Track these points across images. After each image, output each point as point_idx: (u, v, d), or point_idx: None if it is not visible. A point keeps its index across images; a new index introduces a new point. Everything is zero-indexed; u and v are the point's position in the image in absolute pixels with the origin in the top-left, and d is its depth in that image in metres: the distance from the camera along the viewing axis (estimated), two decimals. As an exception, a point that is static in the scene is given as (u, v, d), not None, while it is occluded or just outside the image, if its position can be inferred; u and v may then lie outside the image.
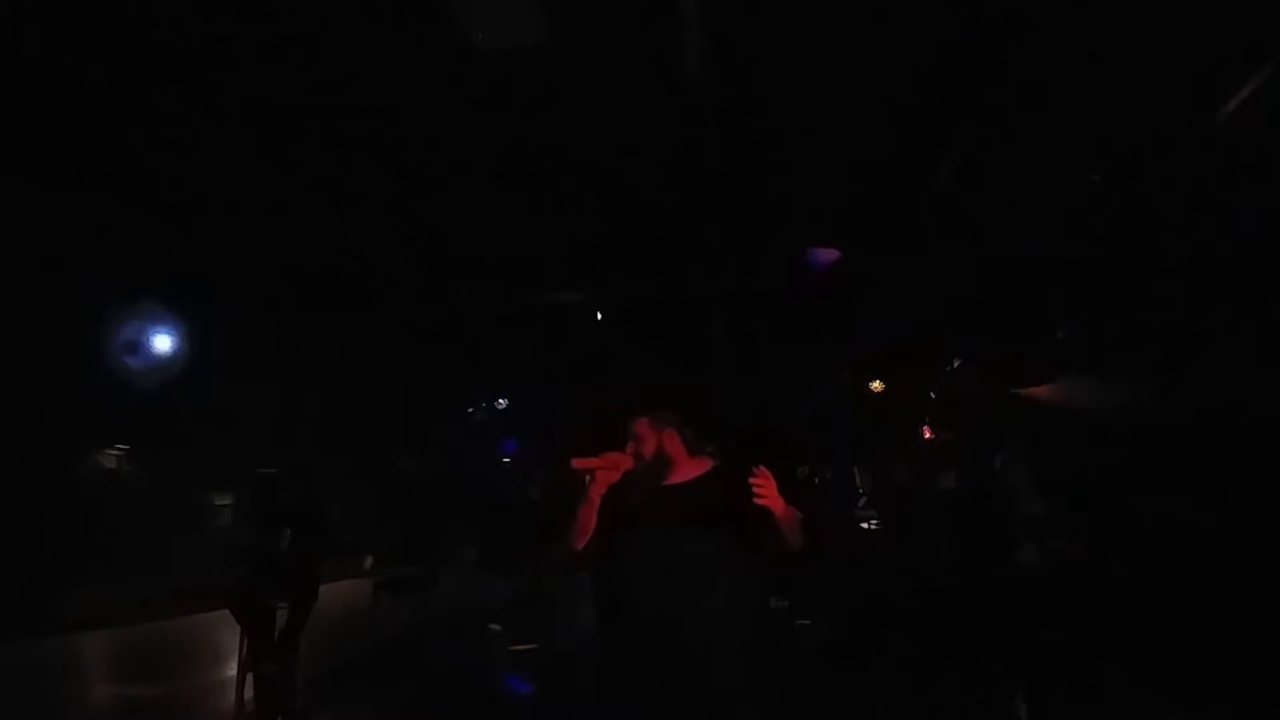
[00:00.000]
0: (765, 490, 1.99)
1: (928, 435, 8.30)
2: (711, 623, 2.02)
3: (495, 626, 6.10)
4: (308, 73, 3.44)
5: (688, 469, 2.30)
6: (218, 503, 10.03)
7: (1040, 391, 6.26)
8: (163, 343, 5.15)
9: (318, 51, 3.31)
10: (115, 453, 8.77)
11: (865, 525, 6.36)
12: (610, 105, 3.79)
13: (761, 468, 2.03)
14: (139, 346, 5.17)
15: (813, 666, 4.85)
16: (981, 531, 3.60)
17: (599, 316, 6.97)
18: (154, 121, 3.65)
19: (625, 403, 2.38)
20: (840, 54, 3.40)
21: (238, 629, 4.72)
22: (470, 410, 10.19)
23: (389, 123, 3.89)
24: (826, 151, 4.33)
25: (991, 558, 3.53)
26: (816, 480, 8.69)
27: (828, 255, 5.33)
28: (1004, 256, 5.50)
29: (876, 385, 8.77)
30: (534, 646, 5.68)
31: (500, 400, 10.05)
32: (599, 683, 2.14)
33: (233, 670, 4.84)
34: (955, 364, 7.44)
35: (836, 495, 9.16)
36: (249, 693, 4.67)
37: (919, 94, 3.72)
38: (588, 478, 2.21)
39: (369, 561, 8.03)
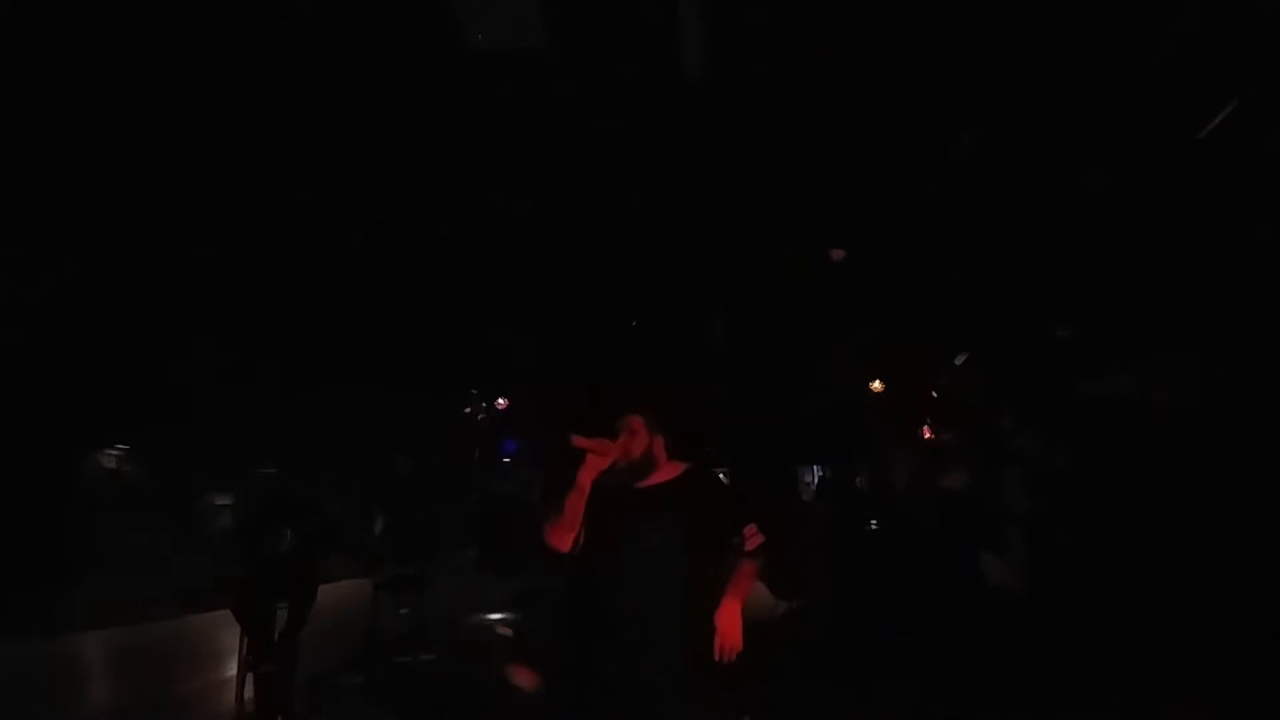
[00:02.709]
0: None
1: (928, 435, 8.31)
2: (670, 626, 2.04)
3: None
4: (309, 71, 3.45)
5: (665, 472, 2.31)
6: (218, 503, 10.03)
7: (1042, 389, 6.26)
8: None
9: (319, 50, 3.31)
10: (115, 453, 8.76)
11: (863, 525, 6.37)
12: (609, 103, 3.79)
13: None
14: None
15: (807, 666, 4.86)
16: (974, 531, 3.60)
17: (599, 316, 6.98)
18: (153, 120, 3.65)
19: (618, 398, 2.39)
20: (840, 52, 3.40)
21: (238, 629, 4.72)
22: (470, 410, 10.19)
23: (387, 120, 3.89)
24: (827, 148, 4.34)
25: (981, 556, 3.54)
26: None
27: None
28: (1006, 256, 5.50)
29: (876, 385, 8.78)
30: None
31: (500, 400, 10.05)
32: (567, 673, 2.17)
33: (233, 670, 4.85)
34: (958, 361, 7.44)
35: (836, 496, 9.16)
36: (249, 693, 4.67)
37: (918, 92, 3.73)
38: (579, 463, 2.19)
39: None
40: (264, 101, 3.60)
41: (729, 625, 2.04)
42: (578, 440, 2.17)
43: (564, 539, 2.19)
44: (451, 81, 3.50)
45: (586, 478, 2.17)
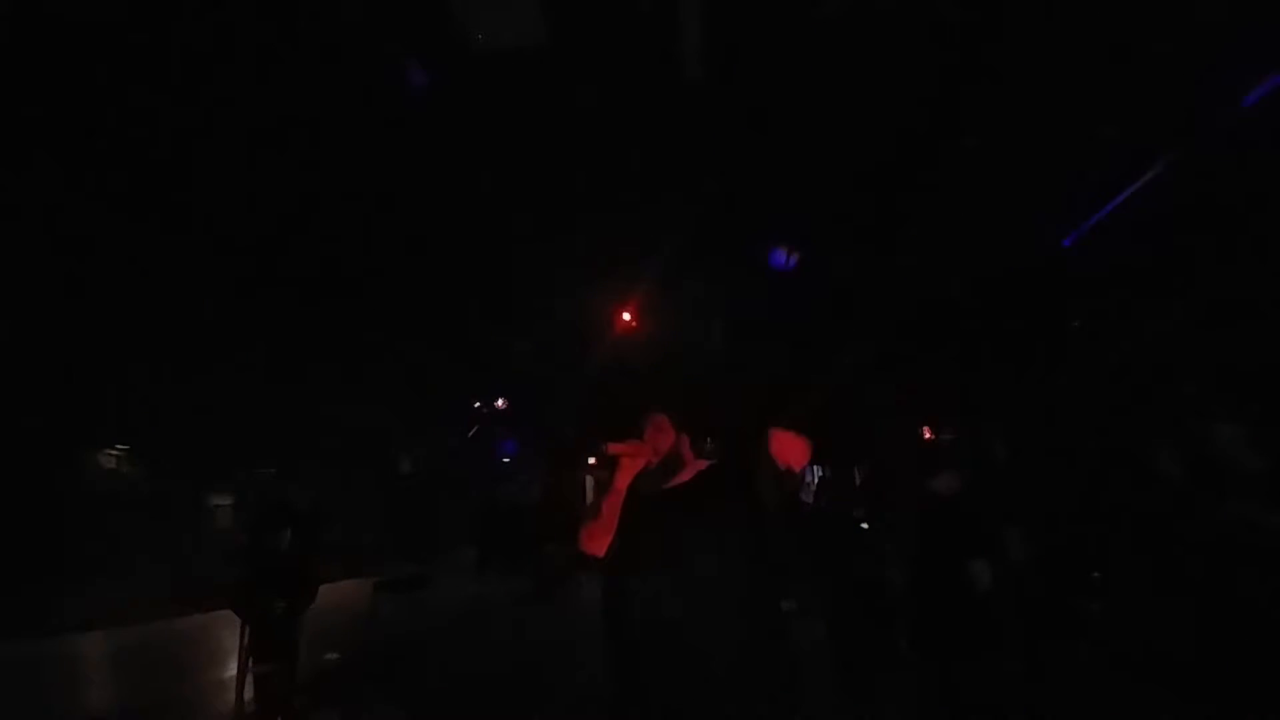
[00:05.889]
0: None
1: (928, 435, 8.30)
2: (710, 627, 2.02)
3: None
4: (310, 72, 3.45)
5: (692, 470, 2.30)
6: (217, 503, 10.04)
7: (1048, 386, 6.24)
8: None
9: (320, 50, 3.31)
10: (115, 453, 8.77)
11: (863, 525, 6.36)
12: (611, 105, 3.80)
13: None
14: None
15: (807, 665, 4.85)
16: (964, 532, 3.58)
17: (602, 317, 6.98)
18: (156, 120, 3.66)
19: (642, 398, 2.37)
20: (839, 55, 3.41)
21: (237, 629, 4.72)
22: (471, 410, 10.19)
23: (388, 121, 3.90)
24: (829, 149, 4.34)
25: (972, 557, 3.52)
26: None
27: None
28: (1007, 254, 5.50)
29: (876, 385, 8.78)
30: None
31: (500, 400, 10.06)
32: (607, 680, 2.15)
33: (233, 670, 4.84)
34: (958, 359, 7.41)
35: (834, 494, 9.14)
36: (249, 693, 4.67)
37: (918, 92, 3.73)
38: (611, 467, 2.17)
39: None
40: (267, 101, 3.60)
41: (789, 452, 2.06)
42: (612, 447, 2.16)
43: (600, 544, 2.16)
44: (451, 77, 3.50)
45: (623, 481, 2.16)
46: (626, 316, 7.02)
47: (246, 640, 4.67)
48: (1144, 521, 3.77)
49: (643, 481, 2.21)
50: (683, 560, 2.06)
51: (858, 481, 9.08)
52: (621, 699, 2.09)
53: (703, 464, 2.31)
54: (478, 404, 10.28)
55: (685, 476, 2.27)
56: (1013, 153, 4.13)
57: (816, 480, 10.92)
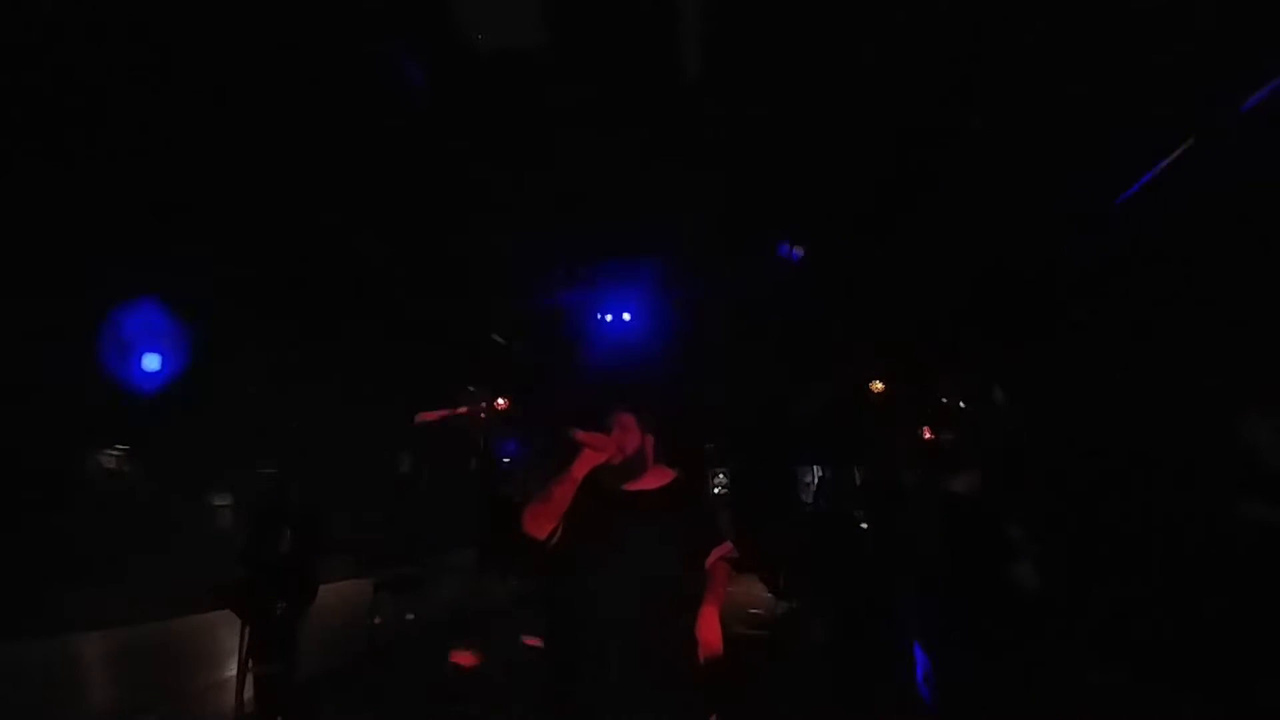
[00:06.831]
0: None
1: (928, 436, 8.30)
2: (644, 624, 2.05)
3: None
4: (309, 71, 3.45)
5: (654, 478, 2.32)
6: (217, 503, 10.05)
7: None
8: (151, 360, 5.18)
9: (319, 50, 3.32)
10: (115, 453, 8.78)
11: (863, 525, 6.36)
12: (609, 106, 3.80)
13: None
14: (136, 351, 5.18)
15: (807, 664, 4.86)
16: (976, 534, 3.56)
17: (601, 318, 6.98)
18: (157, 120, 3.66)
19: (612, 398, 2.38)
20: (836, 56, 3.41)
21: (238, 629, 4.72)
22: (470, 410, 10.19)
23: (387, 122, 3.90)
24: (824, 151, 4.35)
25: (984, 560, 3.50)
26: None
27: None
28: (1006, 253, 5.50)
29: (877, 385, 8.78)
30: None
31: (500, 400, 10.05)
32: (547, 679, 2.19)
33: (233, 670, 4.84)
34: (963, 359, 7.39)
35: (834, 494, 9.16)
36: (249, 693, 4.67)
37: (916, 91, 3.74)
38: (574, 455, 2.20)
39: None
40: (270, 103, 3.61)
41: (709, 633, 2.06)
42: (579, 435, 2.18)
43: (543, 528, 2.18)
44: (449, 77, 3.51)
45: (580, 470, 2.18)
46: (627, 316, 7.02)
47: (246, 640, 4.67)
48: (1156, 521, 3.77)
49: (602, 477, 2.23)
50: (620, 562, 2.09)
51: (858, 481, 9.08)
52: (553, 689, 2.14)
53: (669, 474, 2.33)
54: (481, 404, 10.28)
55: (647, 482, 2.29)
56: (1014, 150, 4.13)
57: (816, 480, 10.95)
